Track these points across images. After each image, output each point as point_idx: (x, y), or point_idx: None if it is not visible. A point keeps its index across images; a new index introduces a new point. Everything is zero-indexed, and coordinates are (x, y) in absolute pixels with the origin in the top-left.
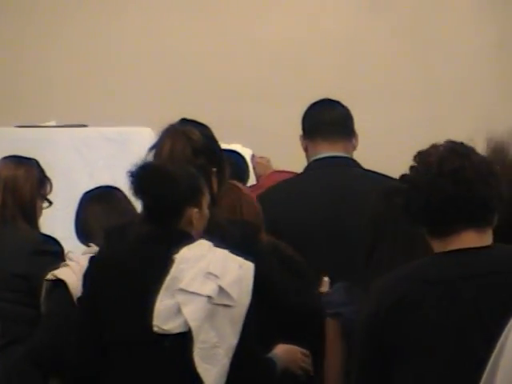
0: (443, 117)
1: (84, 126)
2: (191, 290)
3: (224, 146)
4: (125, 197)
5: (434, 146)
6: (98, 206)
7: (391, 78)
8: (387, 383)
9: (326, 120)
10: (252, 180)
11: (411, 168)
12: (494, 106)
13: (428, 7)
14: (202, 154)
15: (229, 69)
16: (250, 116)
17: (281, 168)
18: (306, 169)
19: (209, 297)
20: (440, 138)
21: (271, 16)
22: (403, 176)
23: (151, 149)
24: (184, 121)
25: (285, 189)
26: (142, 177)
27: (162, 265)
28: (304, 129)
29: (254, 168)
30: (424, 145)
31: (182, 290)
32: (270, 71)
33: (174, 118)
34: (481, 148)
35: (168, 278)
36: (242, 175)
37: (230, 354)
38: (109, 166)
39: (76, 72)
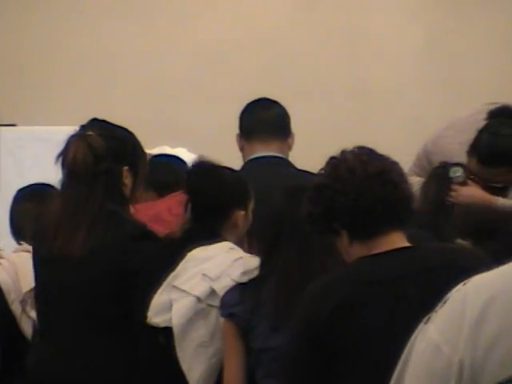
0: (373, 116)
1: (13, 125)
2: (183, 288)
3: (168, 150)
4: None
5: (346, 152)
6: (29, 203)
7: (322, 78)
8: None
9: (262, 120)
10: None
11: (328, 174)
12: (422, 106)
13: (358, 7)
14: (104, 159)
15: (164, 69)
16: (189, 118)
17: None
18: (241, 169)
19: (197, 297)
20: (370, 138)
21: (206, 16)
22: (320, 183)
23: (58, 156)
24: (94, 121)
25: None
26: (194, 174)
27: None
28: (240, 128)
29: None
30: (354, 144)
31: (175, 287)
32: (207, 72)
33: (109, 118)
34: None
35: (171, 274)
36: (182, 181)
37: (220, 356)
38: (39, 166)
39: (5, 71)
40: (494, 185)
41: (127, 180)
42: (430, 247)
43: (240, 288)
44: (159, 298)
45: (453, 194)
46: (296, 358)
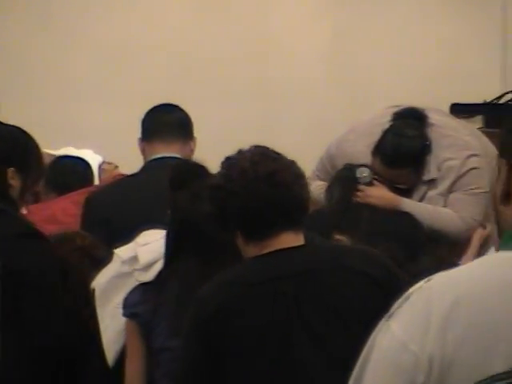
0: (278, 116)
1: None
2: (117, 252)
3: (73, 152)
4: None
5: (242, 152)
6: None
7: (227, 78)
8: None
9: (163, 122)
10: None
11: (223, 174)
12: (327, 106)
13: (262, 6)
14: None
15: (70, 70)
16: (95, 120)
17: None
18: (141, 169)
19: (122, 260)
20: (273, 137)
21: (112, 15)
22: (214, 183)
23: None
24: None
25: (117, 188)
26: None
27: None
28: (142, 131)
29: (99, 175)
30: (256, 143)
31: (115, 253)
32: (113, 74)
33: (13, 119)
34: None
35: None
36: (86, 183)
37: None
38: None
39: None
40: (398, 186)
41: (14, 181)
42: (320, 247)
43: (143, 288)
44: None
45: (360, 194)
46: (186, 359)
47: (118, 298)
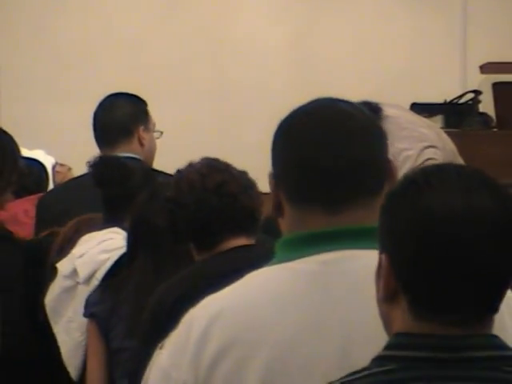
0: (236, 115)
1: None
2: (59, 267)
3: (25, 153)
4: None
5: (191, 164)
6: None
7: (186, 78)
8: None
9: (102, 125)
10: None
11: (173, 187)
12: (287, 106)
13: (222, 7)
14: None
15: (21, 69)
16: (47, 119)
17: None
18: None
19: (63, 275)
20: (233, 138)
21: (68, 15)
22: (166, 196)
23: None
24: None
25: (66, 189)
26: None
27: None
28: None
29: (53, 177)
30: (218, 145)
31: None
32: (65, 72)
33: None
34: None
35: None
36: (41, 185)
37: (84, 329)
38: None
39: None
40: None
41: None
42: (269, 245)
43: (101, 288)
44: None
45: None
46: (145, 356)
47: (69, 312)
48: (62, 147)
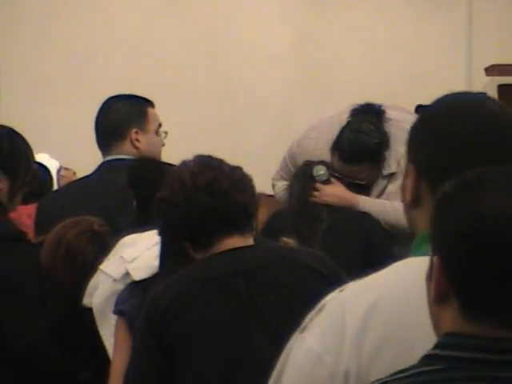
0: (239, 115)
1: None
2: (105, 270)
3: None
4: None
5: (185, 163)
6: None
7: (189, 80)
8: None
9: (97, 129)
10: None
11: (165, 186)
12: (289, 106)
13: (225, 9)
14: None
15: (26, 72)
16: (50, 120)
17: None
18: (92, 173)
19: (114, 278)
20: (236, 138)
21: (69, 15)
22: (158, 195)
23: None
24: None
25: (65, 192)
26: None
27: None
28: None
29: (58, 181)
30: (219, 147)
31: (101, 270)
32: (68, 75)
33: None
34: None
35: (105, 259)
36: (45, 188)
37: None
38: None
39: None
40: (357, 182)
41: (1, 184)
42: (267, 247)
43: (131, 286)
44: (91, 282)
45: (316, 193)
46: (139, 354)
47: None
48: (65, 150)
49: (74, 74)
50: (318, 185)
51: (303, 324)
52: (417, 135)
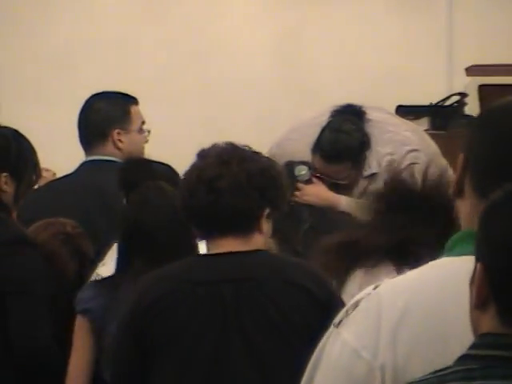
0: (222, 115)
1: None
2: (101, 273)
3: None
4: None
5: (214, 146)
6: None
7: (171, 76)
8: None
9: (80, 128)
10: None
11: (191, 165)
12: (272, 106)
13: (208, 5)
14: None
15: (3, 72)
16: (35, 120)
17: None
18: (72, 173)
19: None
20: (218, 137)
21: (56, 16)
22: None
23: None
24: None
25: (43, 191)
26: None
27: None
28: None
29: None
30: (205, 143)
31: (98, 274)
32: (48, 73)
33: None
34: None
35: (100, 263)
36: None
37: None
38: None
39: None
40: (339, 182)
41: (6, 187)
42: (270, 257)
43: (96, 284)
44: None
45: (297, 193)
46: (118, 350)
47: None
48: (45, 151)
49: (56, 74)
50: (300, 184)
51: (338, 318)
52: (473, 129)
